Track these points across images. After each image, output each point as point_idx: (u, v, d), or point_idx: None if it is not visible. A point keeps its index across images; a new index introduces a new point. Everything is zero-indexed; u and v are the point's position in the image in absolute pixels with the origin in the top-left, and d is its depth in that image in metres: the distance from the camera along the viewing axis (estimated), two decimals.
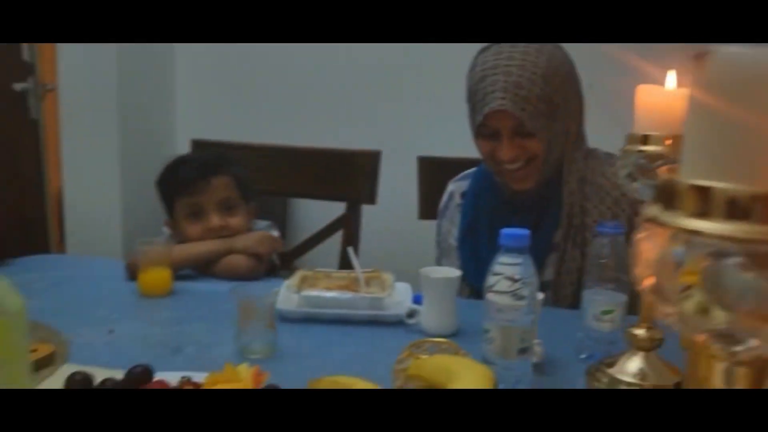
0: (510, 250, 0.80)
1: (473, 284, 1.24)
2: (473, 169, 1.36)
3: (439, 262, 1.49)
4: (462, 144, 1.37)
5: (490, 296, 0.80)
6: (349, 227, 1.69)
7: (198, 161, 1.33)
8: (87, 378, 0.74)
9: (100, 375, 0.75)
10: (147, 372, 0.75)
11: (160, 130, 2.40)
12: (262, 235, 1.27)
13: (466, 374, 0.59)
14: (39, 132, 2.39)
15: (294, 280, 1.09)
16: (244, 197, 1.32)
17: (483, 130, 1.17)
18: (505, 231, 0.80)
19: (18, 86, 2.36)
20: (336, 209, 1.76)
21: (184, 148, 2.36)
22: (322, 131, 2.24)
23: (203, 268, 1.25)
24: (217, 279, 1.24)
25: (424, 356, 0.74)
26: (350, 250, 1.14)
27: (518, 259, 0.79)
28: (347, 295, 1.04)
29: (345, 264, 1.69)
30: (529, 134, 1.14)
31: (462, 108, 1.23)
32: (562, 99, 1.15)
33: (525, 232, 0.80)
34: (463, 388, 0.56)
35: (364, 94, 2.34)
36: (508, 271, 0.79)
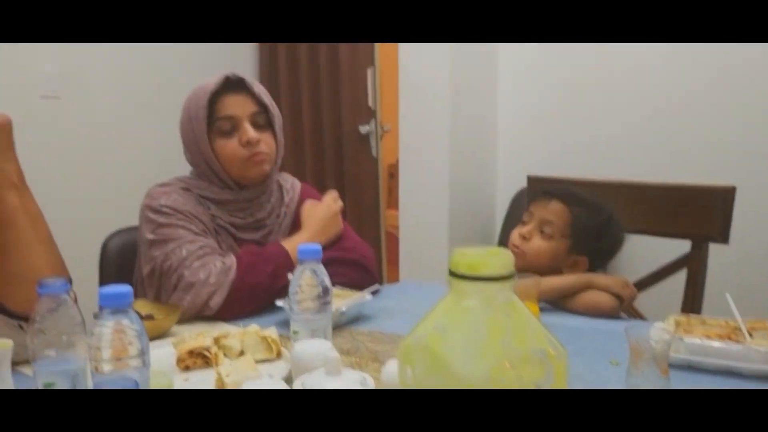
0: None
1: None
2: None
3: None
4: None
5: None
6: (694, 268, 1.58)
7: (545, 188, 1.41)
8: None
9: None
10: None
11: (485, 167, 2.56)
12: (625, 280, 1.27)
13: None
14: (378, 168, 2.74)
15: (668, 324, 1.06)
16: None
17: None
18: None
19: (363, 128, 2.74)
20: (663, 247, 1.65)
21: (508, 184, 2.48)
22: (661, 163, 2.12)
23: (557, 301, 1.30)
24: (572, 313, 1.27)
25: None
26: (728, 296, 1.07)
27: None
28: (737, 345, 0.97)
29: (685, 308, 1.59)
30: None
31: None
32: None
33: None
34: None
35: (713, 119, 2.13)
36: None
